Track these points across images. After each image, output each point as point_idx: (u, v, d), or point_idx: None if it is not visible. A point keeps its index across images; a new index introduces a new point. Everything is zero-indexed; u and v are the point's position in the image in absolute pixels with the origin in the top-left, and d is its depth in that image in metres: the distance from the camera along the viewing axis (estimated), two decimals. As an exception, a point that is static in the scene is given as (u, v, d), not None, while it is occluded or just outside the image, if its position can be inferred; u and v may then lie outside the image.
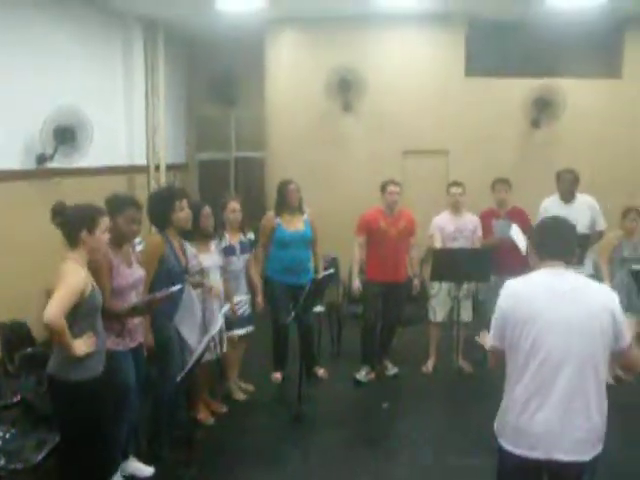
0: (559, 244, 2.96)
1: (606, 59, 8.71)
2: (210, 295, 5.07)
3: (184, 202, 4.75)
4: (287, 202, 6.07)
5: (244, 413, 5.61)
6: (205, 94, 9.35)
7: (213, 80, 9.17)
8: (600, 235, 6.52)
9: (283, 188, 6.12)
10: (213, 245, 5.32)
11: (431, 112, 8.52)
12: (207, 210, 5.24)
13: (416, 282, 6.42)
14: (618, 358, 2.92)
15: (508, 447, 2.85)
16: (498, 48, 8.63)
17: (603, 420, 2.82)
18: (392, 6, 7.82)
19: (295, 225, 6.08)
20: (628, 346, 2.84)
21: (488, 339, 3.02)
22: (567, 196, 6.46)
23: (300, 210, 6.14)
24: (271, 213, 6.17)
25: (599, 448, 2.82)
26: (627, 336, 2.84)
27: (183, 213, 4.71)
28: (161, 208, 4.66)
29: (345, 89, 8.29)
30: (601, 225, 6.52)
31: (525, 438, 2.79)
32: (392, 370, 6.52)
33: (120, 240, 4.10)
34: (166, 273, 4.49)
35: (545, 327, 2.75)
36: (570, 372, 2.74)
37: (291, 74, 8.71)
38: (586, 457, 2.77)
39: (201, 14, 7.97)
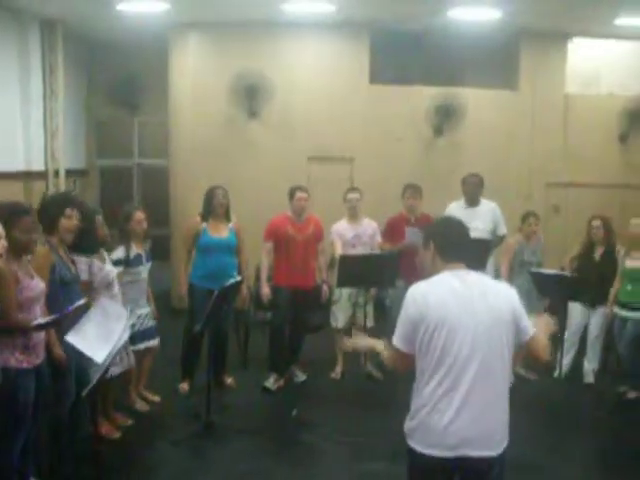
0: (462, 246, 3.01)
1: (504, 71, 9.06)
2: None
3: (74, 212, 4.52)
4: (214, 208, 6.01)
5: (151, 425, 5.48)
6: (106, 98, 9.11)
7: (115, 83, 8.95)
8: (501, 240, 6.75)
9: (211, 194, 6.06)
10: (105, 255, 5.04)
11: (336, 119, 8.60)
12: (100, 219, 5.04)
13: (325, 288, 6.45)
14: (525, 350, 2.99)
15: (419, 448, 2.87)
16: (402, 57, 8.84)
17: (507, 416, 2.91)
18: (298, 13, 7.85)
19: (220, 231, 6.02)
20: (532, 336, 2.93)
21: (393, 339, 3.00)
22: (472, 200, 6.65)
23: (227, 217, 6.09)
24: (197, 218, 6.08)
25: (505, 443, 2.89)
26: (529, 327, 2.93)
27: (69, 222, 4.45)
28: (52, 211, 4.42)
29: (251, 95, 8.26)
30: (503, 230, 6.75)
31: (436, 438, 2.82)
32: (301, 377, 6.51)
33: (19, 251, 3.89)
34: (58, 282, 4.28)
35: (453, 329, 2.79)
36: (478, 372, 2.79)
37: (196, 79, 8.59)
38: (494, 452, 2.84)
39: (102, 14, 7.75)
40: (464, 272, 2.93)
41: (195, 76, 8.59)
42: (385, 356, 3.08)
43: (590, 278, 6.13)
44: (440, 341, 2.80)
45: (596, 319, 6.48)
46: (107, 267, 4.88)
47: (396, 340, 2.94)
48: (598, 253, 6.46)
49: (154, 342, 5.65)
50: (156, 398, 5.87)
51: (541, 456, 4.97)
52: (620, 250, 6.34)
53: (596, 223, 6.42)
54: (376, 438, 5.21)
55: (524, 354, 3.07)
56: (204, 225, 6.01)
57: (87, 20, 8.16)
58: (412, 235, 6.36)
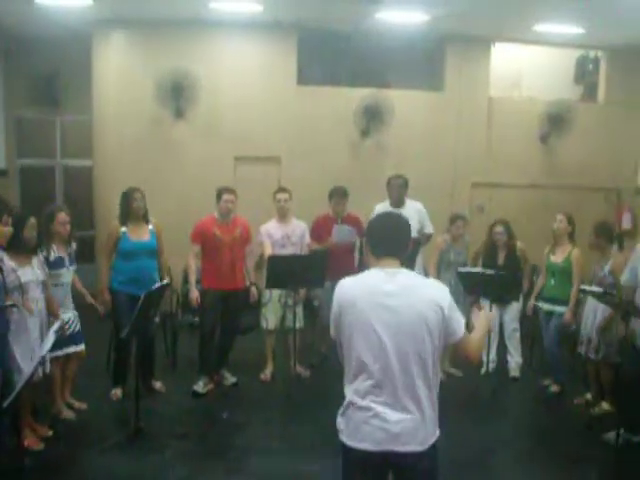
0: (392, 242, 3.00)
1: (430, 73, 9.22)
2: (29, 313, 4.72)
3: (5, 218, 4.40)
4: (132, 211, 5.83)
5: (79, 434, 5.31)
6: (26, 95, 8.80)
7: (35, 80, 8.65)
8: (428, 238, 6.87)
9: (128, 196, 5.87)
10: (35, 259, 4.93)
11: (264, 119, 8.57)
12: (32, 222, 4.86)
13: (253, 290, 6.41)
14: (456, 349, 3.03)
15: (350, 443, 2.90)
16: (329, 58, 8.89)
17: (436, 412, 2.94)
18: (225, 13, 7.79)
19: (141, 235, 5.86)
20: (462, 337, 2.95)
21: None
22: (397, 201, 6.74)
23: (145, 219, 5.93)
24: (115, 222, 5.90)
25: (434, 438, 2.93)
26: (461, 328, 2.94)
27: (4, 229, 4.35)
28: None
29: (177, 94, 8.12)
30: (429, 229, 6.87)
31: (363, 433, 2.86)
32: (231, 379, 6.46)
33: None
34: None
35: (376, 326, 2.82)
36: (401, 368, 2.82)
37: (121, 77, 8.40)
38: (420, 447, 2.87)
39: (20, 8, 7.46)
40: (394, 270, 2.93)
41: (120, 74, 8.40)
42: None
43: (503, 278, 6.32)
44: (362, 338, 2.84)
45: (509, 315, 6.68)
46: (20, 271, 4.70)
47: (332, 331, 3.02)
48: (501, 257, 6.65)
49: (79, 347, 5.48)
50: (83, 406, 5.70)
51: (471, 451, 5.08)
52: (524, 249, 6.63)
53: (499, 229, 6.60)
54: (309, 438, 5.25)
55: (458, 353, 3.09)
56: (123, 229, 5.83)
57: (4, 14, 7.85)
58: (339, 233, 6.41)
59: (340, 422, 2.98)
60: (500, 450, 5.29)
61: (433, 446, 2.92)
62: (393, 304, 2.84)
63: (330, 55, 8.89)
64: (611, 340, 5.74)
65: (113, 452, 4.98)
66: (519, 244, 6.66)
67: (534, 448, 5.38)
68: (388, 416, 2.83)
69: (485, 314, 3.33)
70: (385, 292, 2.86)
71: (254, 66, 8.60)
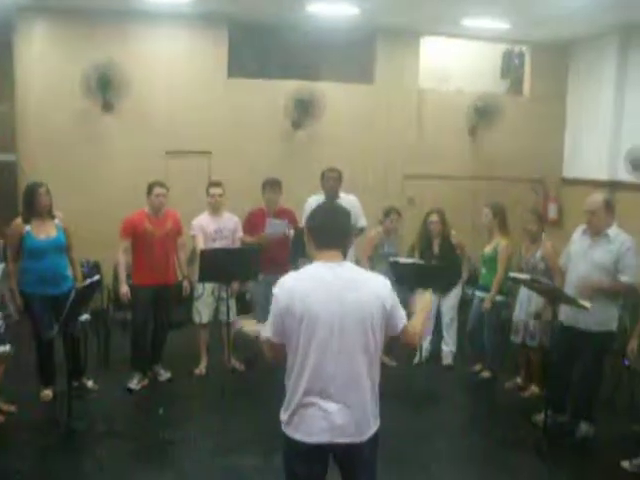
0: (335, 234, 3.00)
1: (360, 66, 9.26)
2: None
3: None
4: (36, 207, 5.56)
5: (9, 437, 5.16)
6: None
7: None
8: (361, 231, 6.92)
9: (31, 192, 5.60)
10: None
11: (194, 112, 8.45)
12: None
13: (186, 284, 6.35)
14: (398, 339, 3.07)
15: (294, 436, 2.93)
16: (260, 51, 8.83)
17: (377, 402, 3.01)
18: (154, 3, 7.65)
19: (47, 231, 5.62)
20: (404, 327, 3.02)
21: (263, 331, 3.02)
22: (331, 194, 6.76)
23: (50, 215, 5.69)
24: (18, 220, 5.60)
25: (375, 427, 3.00)
26: (402, 318, 3.00)
27: None
28: None
29: (105, 87, 7.91)
30: (362, 222, 6.92)
31: (309, 426, 2.89)
32: (165, 375, 6.38)
33: None
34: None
35: (320, 320, 2.83)
36: (345, 362, 2.86)
37: (45, 69, 8.12)
38: (364, 437, 2.94)
39: None
40: (336, 263, 2.94)
41: (44, 66, 8.13)
42: (261, 343, 3.08)
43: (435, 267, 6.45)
44: (307, 332, 2.84)
45: (447, 304, 6.82)
46: None
47: (267, 331, 2.95)
48: (436, 245, 6.78)
49: (4, 348, 5.29)
50: (12, 408, 5.51)
51: (407, 439, 5.17)
52: (459, 238, 6.79)
53: (434, 218, 6.72)
54: (246, 432, 5.26)
55: (400, 343, 3.13)
56: (27, 227, 5.55)
57: None
58: (272, 226, 6.40)
59: (283, 415, 2.98)
60: (435, 437, 5.39)
61: (374, 437, 2.99)
62: (338, 298, 2.85)
63: (261, 47, 8.83)
64: (545, 327, 5.92)
65: (44, 454, 4.86)
66: (453, 232, 6.79)
67: (468, 433, 5.52)
68: (332, 409, 2.87)
69: (424, 297, 3.39)
70: (330, 287, 2.87)
71: (184, 58, 8.47)
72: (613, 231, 5.15)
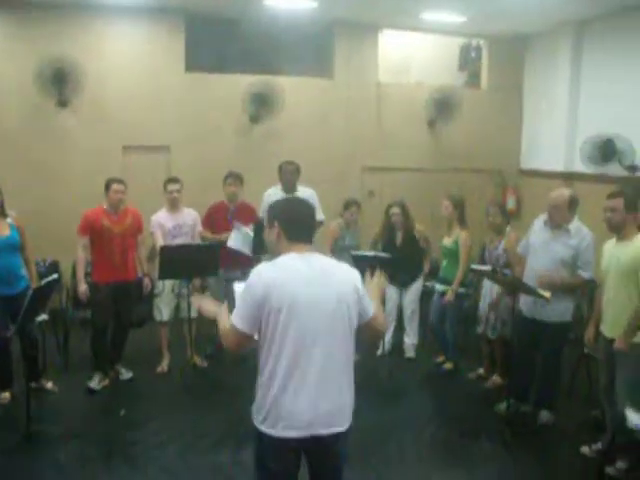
0: (306, 226, 3.02)
1: (319, 59, 9.24)
2: None
3: None
4: None
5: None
6: None
7: None
8: (320, 224, 6.90)
9: None
10: None
11: (151, 107, 8.34)
12: None
13: (146, 281, 6.27)
14: (365, 329, 3.08)
15: (270, 432, 2.87)
16: (218, 44, 8.75)
17: (352, 393, 3.01)
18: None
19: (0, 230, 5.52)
20: (373, 316, 3.05)
21: (230, 319, 2.91)
22: (289, 187, 6.75)
23: (3, 214, 5.55)
24: None
25: (351, 419, 3.00)
26: (371, 307, 3.04)
27: None
28: None
29: (60, 81, 7.75)
30: (320, 216, 6.89)
31: (287, 421, 2.85)
32: (126, 374, 6.30)
33: None
34: None
35: (298, 311, 2.81)
36: (324, 351, 2.85)
37: (-2, 64, 7.93)
38: (341, 428, 2.94)
39: None
40: (308, 253, 2.95)
41: (-4, 61, 7.94)
42: (222, 333, 2.99)
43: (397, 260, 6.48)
44: (286, 322, 2.81)
45: (409, 297, 6.86)
46: None
47: (237, 320, 2.87)
48: (399, 238, 6.81)
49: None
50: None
51: (371, 432, 5.17)
52: (423, 230, 6.81)
53: (395, 210, 6.74)
54: (211, 428, 5.22)
55: (367, 333, 3.14)
56: None
57: None
58: (236, 240, 6.24)
59: (259, 411, 2.92)
60: (399, 429, 5.41)
61: (349, 427, 3.00)
62: (315, 288, 2.86)
63: (218, 41, 8.75)
64: (505, 319, 6.00)
65: (3, 458, 4.75)
66: (418, 226, 6.81)
67: (431, 424, 5.56)
68: (312, 399, 2.85)
69: (375, 281, 3.38)
70: (306, 276, 2.87)
71: (140, 52, 8.34)
72: (574, 225, 5.23)
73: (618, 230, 4.60)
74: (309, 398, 2.84)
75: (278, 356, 2.84)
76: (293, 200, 3.24)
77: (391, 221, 6.76)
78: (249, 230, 6.16)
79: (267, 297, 2.81)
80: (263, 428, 2.90)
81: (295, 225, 2.99)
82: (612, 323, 4.64)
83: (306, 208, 3.10)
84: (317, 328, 2.84)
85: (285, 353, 2.83)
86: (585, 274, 5.17)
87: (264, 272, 2.88)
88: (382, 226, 6.92)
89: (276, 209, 3.06)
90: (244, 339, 2.90)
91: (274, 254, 2.99)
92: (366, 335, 3.16)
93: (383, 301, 5.69)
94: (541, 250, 5.32)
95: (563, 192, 5.35)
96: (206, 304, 3.25)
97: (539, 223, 5.45)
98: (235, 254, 6.11)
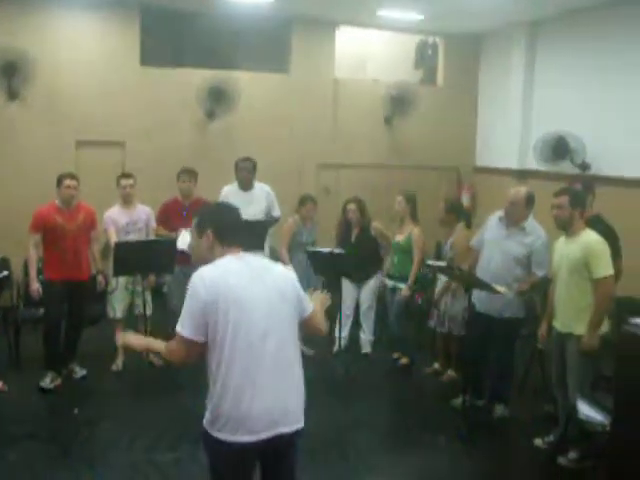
0: (239, 230, 3.03)
1: (276, 55, 9.21)
2: None
3: None
4: None
5: None
6: None
7: None
8: (276, 221, 6.89)
9: None
10: None
11: (106, 102, 8.21)
12: None
13: (100, 278, 6.18)
14: (305, 326, 3.10)
15: (228, 438, 2.79)
16: (174, 38, 8.66)
17: (303, 388, 3.02)
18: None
19: None
20: (312, 313, 3.08)
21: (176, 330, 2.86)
22: (245, 184, 6.71)
23: None
24: None
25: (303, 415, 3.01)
26: (308, 305, 3.08)
27: None
28: None
29: (10, 75, 7.57)
30: (277, 212, 6.89)
31: (246, 424, 2.78)
32: (80, 372, 6.20)
33: None
34: None
35: (246, 312, 2.80)
36: (274, 350, 2.84)
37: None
38: (300, 424, 2.95)
39: None
40: (245, 254, 2.97)
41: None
42: (166, 352, 2.94)
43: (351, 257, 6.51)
44: (234, 325, 2.78)
45: (365, 293, 6.88)
46: None
47: (185, 329, 2.81)
48: (354, 234, 6.83)
49: None
50: None
51: (328, 428, 5.20)
52: (380, 227, 6.79)
53: (351, 207, 6.76)
54: (166, 426, 5.17)
55: (306, 330, 3.17)
56: None
57: None
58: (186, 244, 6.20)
59: (213, 417, 2.84)
60: (355, 424, 5.43)
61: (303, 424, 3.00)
62: (258, 286, 2.86)
63: (174, 35, 8.66)
64: (454, 315, 6.07)
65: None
66: (375, 223, 6.82)
67: (388, 419, 5.61)
68: (271, 401, 2.82)
69: (320, 295, 3.44)
70: (248, 275, 2.87)
71: (95, 46, 8.19)
72: (529, 224, 5.31)
73: (565, 227, 4.74)
74: (266, 399, 2.81)
75: (231, 359, 2.78)
76: (222, 206, 3.24)
77: (347, 217, 6.78)
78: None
79: (212, 299, 2.77)
80: (219, 435, 2.81)
81: (229, 230, 2.99)
82: (564, 318, 4.74)
83: (236, 212, 3.09)
84: (265, 326, 2.83)
85: (235, 354, 2.77)
86: (539, 272, 5.25)
87: (206, 274, 2.84)
88: (338, 222, 6.93)
89: (206, 217, 3.03)
90: (193, 347, 2.83)
91: (207, 262, 2.93)
92: (305, 332, 3.18)
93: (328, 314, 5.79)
94: (495, 247, 5.38)
95: (521, 190, 5.42)
96: (132, 339, 3.19)
97: (494, 219, 5.52)
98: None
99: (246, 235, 3.08)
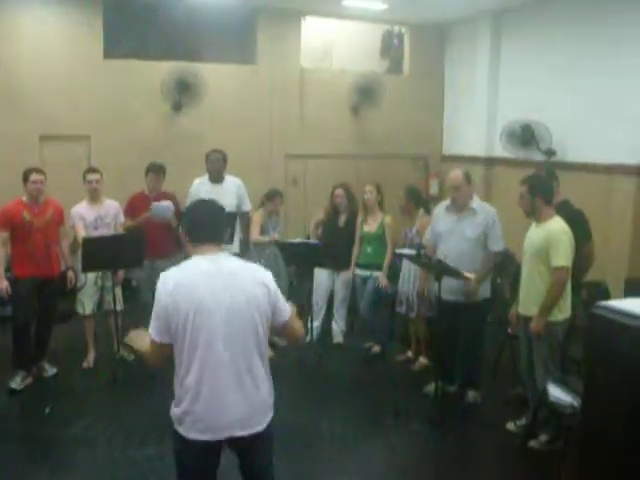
0: (211, 229, 3.00)
1: (242, 46, 9.17)
2: None
3: None
4: None
5: None
6: None
7: None
8: (246, 215, 6.87)
9: None
10: None
11: (69, 96, 8.10)
12: None
13: (70, 274, 6.11)
14: (281, 330, 3.10)
15: (188, 435, 2.87)
16: (138, 30, 8.55)
17: (270, 391, 3.02)
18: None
19: None
20: (289, 318, 3.05)
21: (147, 336, 2.93)
22: (216, 177, 6.68)
23: None
24: None
25: (270, 415, 3.01)
26: (287, 309, 3.04)
27: None
28: None
29: (-30, 69, 7.44)
30: (247, 206, 6.87)
31: (204, 424, 2.84)
32: (51, 371, 6.12)
33: None
34: None
35: (207, 314, 2.80)
36: (235, 354, 2.85)
37: None
38: (260, 427, 2.94)
39: None
40: (215, 255, 2.94)
41: None
42: (144, 355, 3.00)
43: (336, 244, 6.52)
44: (194, 327, 2.80)
45: (340, 283, 6.89)
46: None
47: (153, 332, 2.87)
48: (342, 220, 6.85)
49: None
50: None
51: (302, 418, 5.24)
52: (359, 216, 6.79)
53: (339, 192, 6.78)
54: (140, 422, 5.15)
55: (283, 333, 3.20)
56: None
57: None
58: (157, 210, 6.27)
59: (175, 414, 2.92)
60: (328, 414, 5.45)
61: (270, 424, 3.01)
62: (224, 290, 2.84)
63: (138, 27, 8.55)
64: (423, 297, 6.11)
65: None
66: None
67: (361, 407, 5.63)
68: (226, 403, 2.84)
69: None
70: (214, 279, 2.85)
71: (57, 39, 8.06)
72: (476, 203, 5.43)
73: (530, 214, 4.85)
74: (220, 403, 2.84)
75: (190, 360, 2.83)
76: (199, 202, 3.19)
77: (334, 203, 6.78)
78: (168, 204, 6.24)
79: (174, 303, 2.80)
80: (180, 430, 2.90)
81: (197, 227, 2.99)
82: (526, 302, 4.83)
83: (210, 208, 3.07)
84: (227, 331, 2.83)
85: (197, 357, 2.82)
86: (497, 247, 5.37)
87: (170, 279, 2.87)
88: (326, 208, 6.92)
89: (184, 214, 3.11)
90: (162, 349, 2.89)
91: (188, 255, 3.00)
92: (284, 336, 3.21)
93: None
94: (450, 235, 5.46)
95: (457, 172, 5.51)
96: (137, 341, 3.17)
97: (441, 210, 5.60)
98: (159, 243, 6.12)
99: (219, 232, 3.04)
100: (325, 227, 6.87)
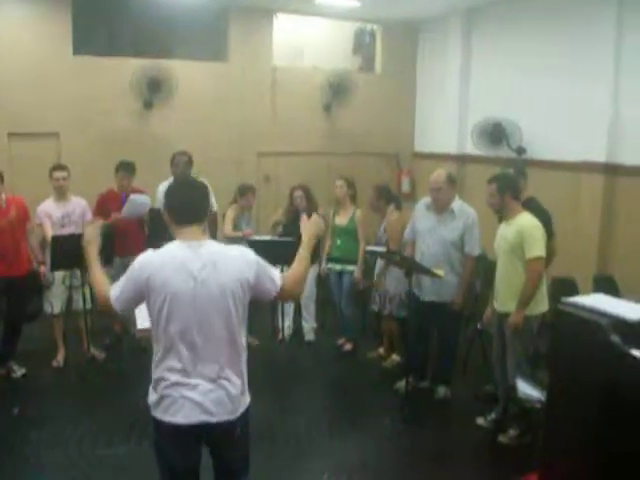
0: (193, 209, 2.98)
1: (213, 43, 9.12)
2: None
3: None
4: None
5: None
6: None
7: None
8: (214, 215, 6.81)
9: None
10: None
11: (38, 92, 7.98)
12: None
13: (43, 269, 6.02)
14: (279, 298, 3.12)
15: (164, 418, 2.89)
16: (108, 26, 8.47)
17: (245, 380, 3.01)
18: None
19: None
20: (282, 286, 3.04)
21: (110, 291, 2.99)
22: (182, 178, 6.61)
23: None
24: None
25: (245, 404, 3.00)
26: (275, 283, 3.01)
27: None
28: None
29: None
30: (214, 205, 6.82)
31: (177, 407, 2.86)
32: (19, 371, 6.04)
33: None
34: None
35: (180, 299, 2.80)
36: (208, 341, 2.85)
37: None
38: (233, 416, 2.94)
39: None
40: (197, 241, 2.91)
41: None
42: (97, 294, 3.12)
43: (297, 244, 6.49)
44: (167, 313, 2.82)
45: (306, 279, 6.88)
46: None
47: (115, 297, 2.94)
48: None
49: None
50: None
51: (274, 416, 5.22)
52: (325, 214, 6.80)
53: (298, 193, 6.77)
54: (111, 420, 5.10)
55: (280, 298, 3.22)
56: None
57: None
58: (133, 205, 6.21)
59: (152, 398, 2.95)
60: (301, 411, 5.48)
61: (245, 414, 3.01)
62: (200, 279, 2.83)
63: (108, 23, 8.46)
64: (393, 296, 6.14)
65: None
66: (321, 210, 6.81)
67: (332, 404, 5.65)
68: (200, 389, 2.86)
69: (313, 220, 3.43)
70: (192, 267, 2.84)
71: (24, 34, 7.94)
72: (457, 205, 5.45)
73: (500, 212, 4.92)
74: (196, 387, 2.85)
75: (163, 345, 2.87)
76: (178, 183, 3.24)
77: (294, 204, 6.78)
78: (145, 198, 6.23)
79: (148, 284, 2.83)
80: (156, 414, 2.92)
81: (177, 208, 2.97)
82: (503, 298, 4.86)
83: (192, 190, 3.06)
84: (198, 317, 2.83)
85: (169, 342, 2.85)
86: (474, 252, 5.40)
87: (148, 258, 2.90)
88: (286, 209, 6.91)
89: (165, 195, 3.08)
90: (115, 312, 3.00)
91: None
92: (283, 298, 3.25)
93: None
94: (429, 235, 5.49)
95: (440, 172, 5.52)
96: (92, 250, 3.32)
97: (421, 208, 5.62)
98: (130, 239, 6.12)
99: (200, 212, 3.01)
100: (285, 227, 6.86)
